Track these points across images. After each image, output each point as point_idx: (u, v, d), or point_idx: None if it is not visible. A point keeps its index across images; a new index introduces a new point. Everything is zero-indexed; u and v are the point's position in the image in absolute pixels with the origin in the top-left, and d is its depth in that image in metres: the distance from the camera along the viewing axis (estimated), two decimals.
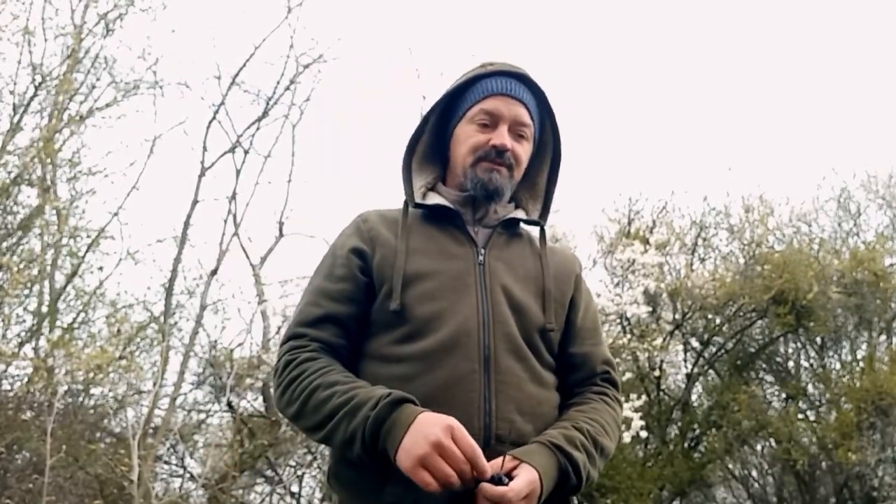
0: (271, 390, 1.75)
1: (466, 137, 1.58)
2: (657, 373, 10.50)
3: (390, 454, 1.30)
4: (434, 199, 1.59)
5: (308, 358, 1.46)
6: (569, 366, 1.57)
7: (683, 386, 11.05)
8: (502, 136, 1.55)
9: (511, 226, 1.62)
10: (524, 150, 1.59)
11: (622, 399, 1.62)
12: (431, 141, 1.64)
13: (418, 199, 1.58)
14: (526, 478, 1.32)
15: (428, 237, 1.55)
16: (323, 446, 8.98)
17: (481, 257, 1.53)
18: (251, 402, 9.76)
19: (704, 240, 11.36)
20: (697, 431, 10.79)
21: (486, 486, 1.29)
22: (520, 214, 1.63)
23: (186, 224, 9.29)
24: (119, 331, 8.81)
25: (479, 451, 1.28)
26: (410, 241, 1.53)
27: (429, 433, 1.27)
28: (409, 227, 1.55)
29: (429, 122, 1.63)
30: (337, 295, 1.52)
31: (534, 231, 1.68)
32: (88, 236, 9.57)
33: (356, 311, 1.51)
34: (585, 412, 1.50)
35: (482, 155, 1.55)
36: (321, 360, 1.46)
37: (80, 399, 8.50)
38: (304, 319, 1.52)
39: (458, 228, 1.57)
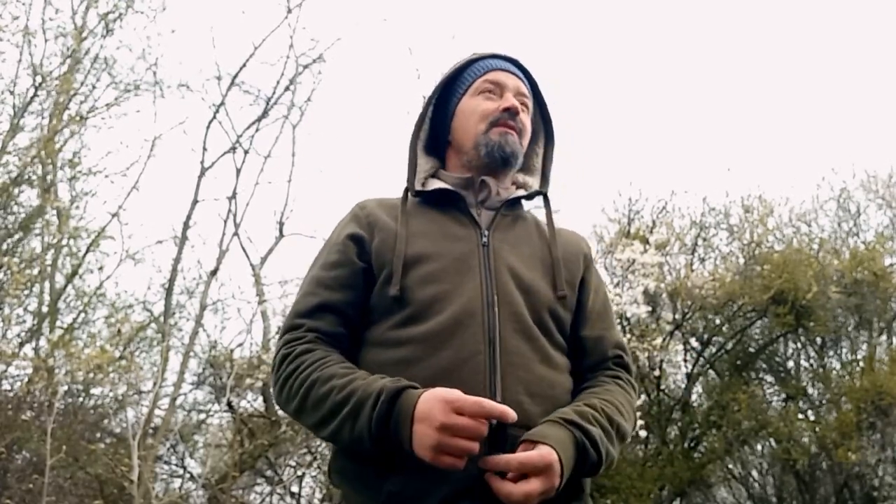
0: (271, 388, 1.64)
1: (475, 108, 1.57)
2: (657, 373, 10.49)
3: (406, 448, 1.26)
4: (435, 184, 1.57)
5: (304, 350, 1.42)
6: (580, 349, 1.53)
7: (683, 386, 11.05)
8: (511, 100, 1.55)
9: (514, 208, 1.60)
10: (528, 122, 1.60)
11: (636, 384, 1.58)
12: (429, 131, 1.63)
13: (418, 187, 1.56)
14: (539, 451, 1.28)
15: (429, 220, 1.52)
16: (323, 445, 9.00)
17: (485, 238, 1.50)
18: (251, 402, 9.77)
19: (704, 240, 11.37)
20: (697, 431, 10.79)
21: (487, 458, 1.27)
22: (522, 194, 1.61)
23: (186, 224, 9.28)
24: (119, 331, 8.81)
25: (487, 402, 1.25)
26: (411, 225, 1.50)
27: (432, 420, 1.23)
28: (410, 212, 1.52)
29: (429, 109, 1.62)
30: (331, 282, 1.48)
31: (535, 212, 1.66)
32: (88, 237, 9.58)
33: (353, 297, 1.47)
34: (598, 393, 1.46)
35: (494, 119, 1.55)
36: (318, 352, 1.41)
37: (80, 399, 8.50)
38: (301, 310, 1.48)
39: (461, 211, 1.53)
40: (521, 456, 1.27)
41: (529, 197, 1.62)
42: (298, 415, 1.41)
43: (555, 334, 1.48)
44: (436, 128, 1.64)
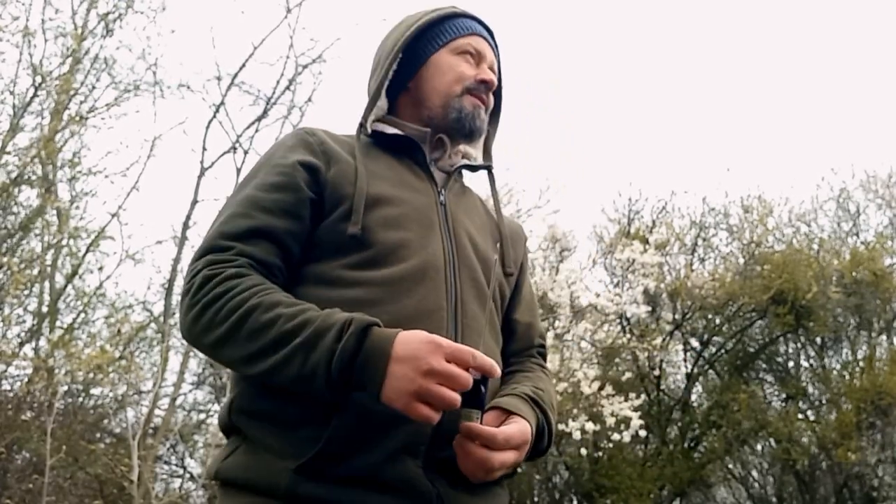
0: (178, 315, 1.29)
1: (453, 66, 1.45)
2: (657, 373, 10.51)
3: (370, 391, 1.11)
4: (389, 130, 1.44)
5: (236, 274, 1.20)
6: (510, 332, 1.46)
7: (683, 386, 11.06)
8: (489, 73, 1.46)
9: (460, 177, 1.52)
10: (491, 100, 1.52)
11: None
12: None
13: (370, 128, 1.43)
14: (519, 426, 1.22)
15: (386, 165, 1.38)
16: None
17: (442, 198, 1.39)
18: None
19: (704, 240, 11.38)
20: (697, 431, 10.79)
21: (472, 425, 1.16)
22: (474, 164, 1.52)
23: (186, 224, 9.31)
24: (119, 331, 8.82)
25: (479, 353, 1.12)
26: (368, 164, 1.35)
27: (418, 362, 1.08)
28: (364, 152, 1.38)
29: (400, 49, 1.46)
30: (271, 205, 1.27)
31: (475, 189, 1.59)
32: (88, 237, 9.59)
33: (296, 226, 1.28)
34: (534, 380, 1.39)
35: (471, 87, 1.44)
36: (254, 278, 1.21)
37: (80, 399, 8.51)
38: (229, 231, 1.25)
39: (417, 164, 1.42)
40: (506, 431, 1.20)
41: (475, 168, 1.53)
42: (220, 345, 1.19)
43: (499, 309, 1.42)
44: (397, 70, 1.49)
